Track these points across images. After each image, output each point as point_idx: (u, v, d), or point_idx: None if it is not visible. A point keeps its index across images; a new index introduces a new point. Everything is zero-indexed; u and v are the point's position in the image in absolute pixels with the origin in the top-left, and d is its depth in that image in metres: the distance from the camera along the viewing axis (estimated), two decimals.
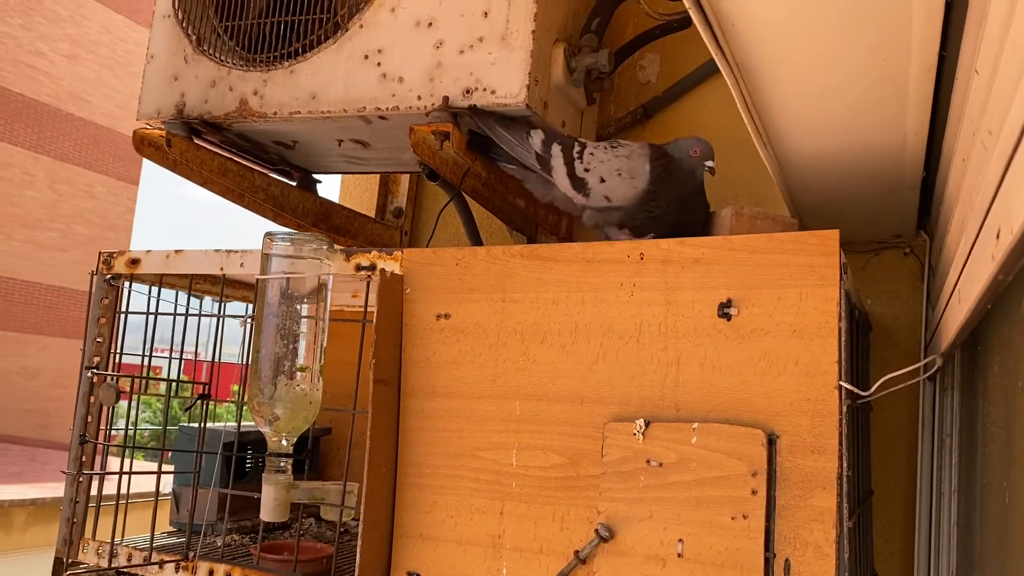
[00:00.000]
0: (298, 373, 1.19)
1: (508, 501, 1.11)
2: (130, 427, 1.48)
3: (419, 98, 1.37)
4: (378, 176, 2.06)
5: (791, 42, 0.78)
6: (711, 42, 0.75)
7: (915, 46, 0.79)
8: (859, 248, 1.57)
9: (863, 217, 1.39)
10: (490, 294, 1.16)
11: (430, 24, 1.38)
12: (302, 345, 1.21)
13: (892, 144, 1.04)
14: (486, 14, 1.34)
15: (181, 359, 1.47)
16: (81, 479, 1.36)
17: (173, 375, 1.46)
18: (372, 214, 2.05)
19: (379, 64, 1.41)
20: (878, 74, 0.86)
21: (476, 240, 1.64)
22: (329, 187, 2.05)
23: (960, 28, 0.77)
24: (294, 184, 1.81)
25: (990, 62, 0.60)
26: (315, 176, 1.87)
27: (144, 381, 1.47)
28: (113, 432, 1.46)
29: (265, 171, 1.76)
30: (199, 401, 1.34)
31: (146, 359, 1.44)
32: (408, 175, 2.05)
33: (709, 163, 1.19)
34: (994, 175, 0.56)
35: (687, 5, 0.68)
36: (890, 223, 1.44)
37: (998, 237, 0.52)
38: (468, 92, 1.34)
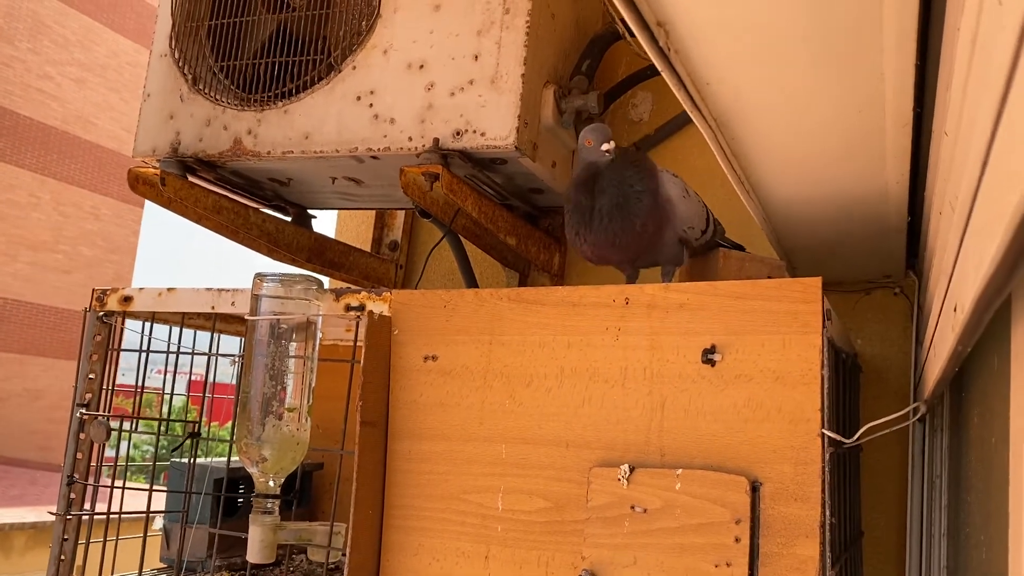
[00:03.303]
0: (286, 413, 1.19)
1: (494, 545, 1.11)
2: (120, 463, 1.48)
3: (410, 139, 1.39)
4: (374, 212, 2.08)
5: (766, 100, 0.79)
6: (686, 102, 0.76)
7: (889, 101, 0.80)
8: (849, 288, 1.58)
9: (852, 258, 1.39)
10: (477, 336, 1.16)
11: (422, 66, 1.40)
12: (290, 385, 1.21)
13: (875, 191, 1.05)
14: (476, 57, 1.36)
15: (172, 395, 1.48)
16: (69, 517, 1.36)
17: (166, 411, 1.47)
18: (368, 248, 2.06)
19: (371, 105, 1.42)
20: (854, 127, 0.87)
21: (469, 277, 1.65)
22: (326, 220, 2.07)
23: (934, 87, 0.78)
24: (289, 220, 1.83)
25: (954, 129, 0.61)
26: (310, 211, 1.88)
27: (135, 420, 1.47)
28: (109, 459, 1.46)
29: (260, 207, 1.78)
30: (189, 440, 1.35)
31: (138, 396, 1.45)
32: (403, 210, 2.07)
33: (604, 146, 1.15)
34: (953, 245, 0.56)
35: (660, 68, 0.69)
36: (879, 264, 1.44)
37: (955, 311, 0.53)
38: (458, 134, 1.35)
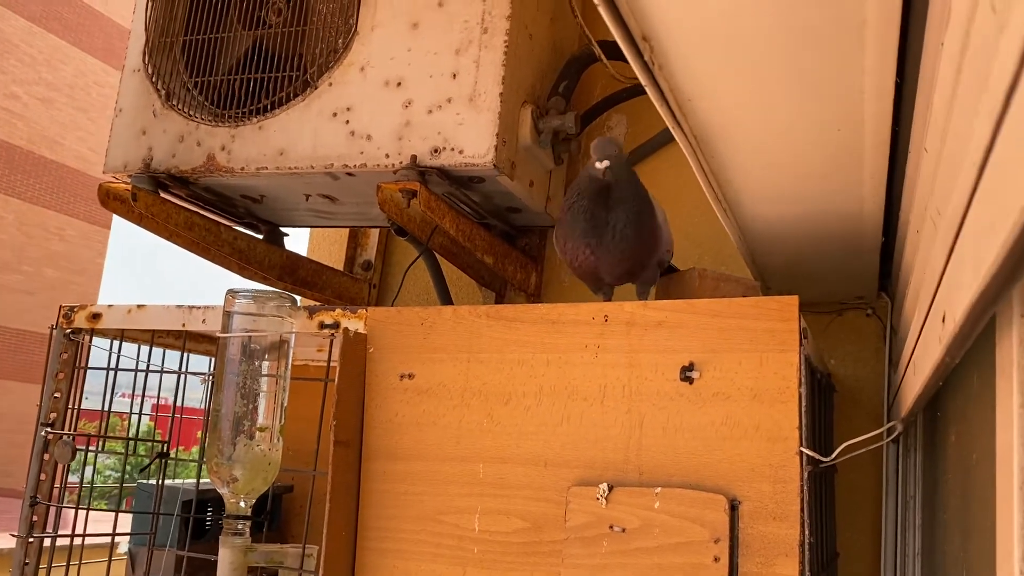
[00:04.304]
0: (258, 433, 1.17)
1: (470, 567, 1.09)
2: (85, 485, 1.44)
3: (387, 156, 1.38)
4: (347, 230, 2.07)
5: (747, 115, 0.79)
6: (668, 117, 0.76)
7: (868, 119, 0.81)
8: (822, 309, 1.59)
9: (825, 279, 1.40)
10: (455, 354, 1.15)
11: (399, 84, 1.39)
12: (262, 404, 1.19)
13: (850, 211, 1.06)
14: (455, 75, 1.36)
15: (140, 415, 1.45)
16: (31, 540, 1.32)
17: (134, 432, 1.43)
18: (340, 267, 2.04)
19: (347, 122, 1.42)
20: (833, 145, 0.88)
21: (445, 296, 1.64)
22: (299, 240, 2.05)
23: (912, 104, 0.79)
24: (261, 237, 1.81)
25: (937, 143, 0.61)
26: (283, 229, 1.87)
27: (101, 440, 1.43)
28: (71, 484, 1.42)
29: (232, 224, 1.76)
30: (157, 460, 1.31)
31: (105, 416, 1.41)
32: (377, 229, 2.06)
33: (598, 164, 1.13)
34: (940, 256, 0.56)
35: (643, 83, 0.69)
36: (852, 285, 1.46)
37: (943, 321, 0.53)
38: (436, 151, 1.35)
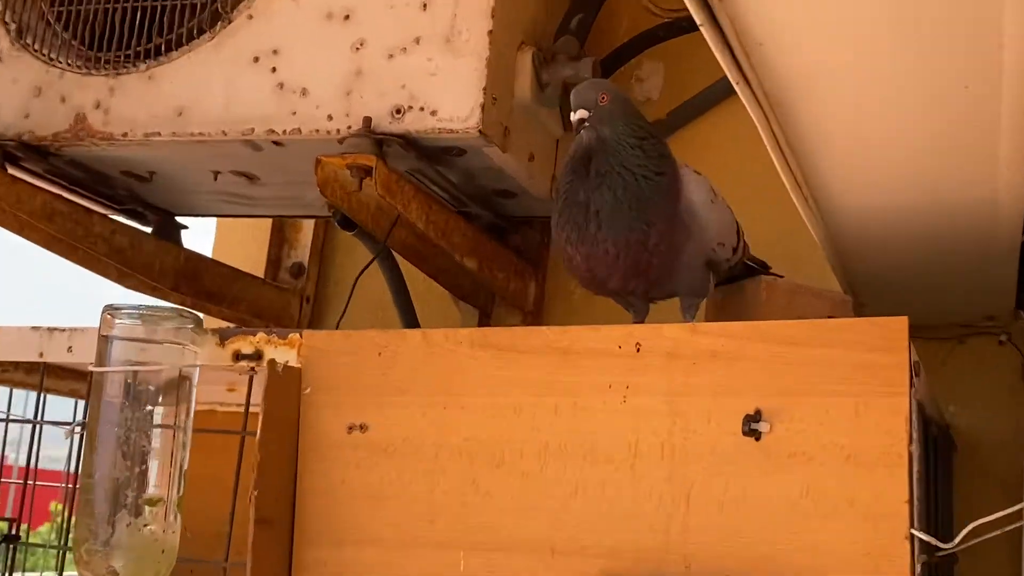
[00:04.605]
0: (147, 508, 1.16)
1: None
2: None
3: (330, 118, 1.38)
4: (270, 221, 2.06)
5: (839, 67, 0.80)
6: (731, 68, 0.77)
7: (1007, 75, 0.82)
8: (936, 335, 1.60)
9: (941, 294, 1.41)
10: (426, 397, 1.15)
11: (346, 17, 1.40)
12: (154, 467, 1.19)
13: (980, 201, 1.07)
14: (424, 5, 1.37)
15: None
16: None
17: None
18: (261, 272, 2.04)
19: (274, 70, 1.42)
20: (957, 109, 0.89)
21: (409, 315, 1.64)
22: (202, 234, 2.04)
23: None
24: (149, 231, 1.81)
25: None
26: (179, 220, 1.87)
27: None
28: None
29: (108, 213, 1.76)
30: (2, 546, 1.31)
31: None
32: (313, 220, 2.05)
33: (572, 116, 1.16)
34: None
35: (698, 20, 0.70)
36: (979, 302, 1.47)
37: None
38: (399, 112, 1.35)
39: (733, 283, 1.35)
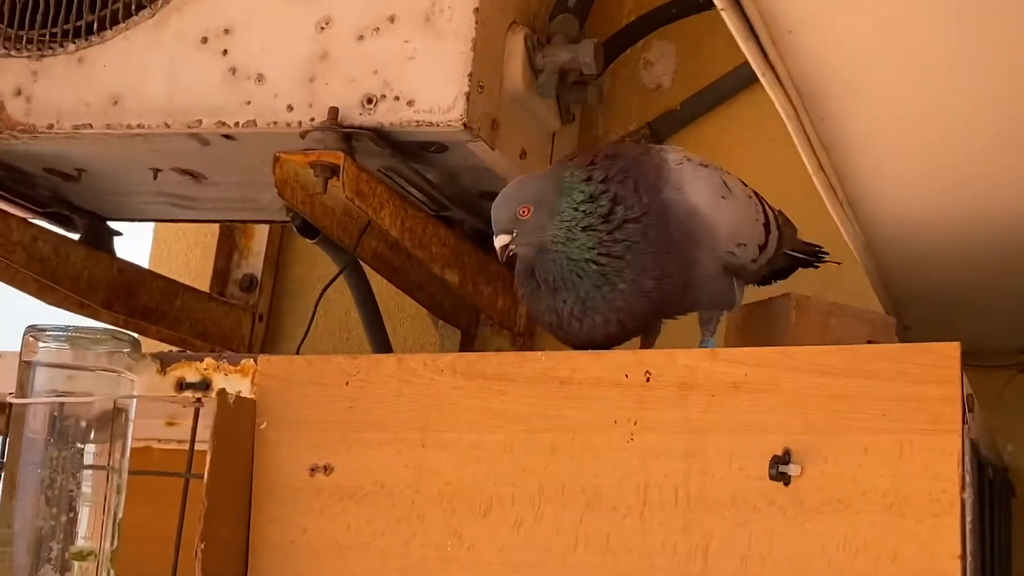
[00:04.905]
0: (75, 563, 1.17)
1: None
2: None
3: (290, 108, 1.39)
4: (217, 227, 2.06)
5: (882, 55, 0.81)
6: (756, 57, 0.77)
7: None
8: (992, 363, 1.60)
9: (998, 316, 1.42)
10: (401, 434, 1.16)
11: None
12: (83, 514, 1.19)
13: None
14: None
15: None
16: None
17: None
18: (206, 286, 2.04)
19: (225, 52, 1.42)
20: (1019, 101, 0.90)
21: (379, 338, 1.64)
22: (137, 240, 2.03)
23: None
24: (76, 238, 1.81)
25: None
26: (112, 225, 1.87)
27: None
28: None
29: (29, 216, 1.76)
30: None
31: None
32: (267, 225, 2.06)
33: (496, 243, 1.22)
34: None
35: (720, 7, 0.70)
36: None
37: None
38: (370, 102, 1.35)
39: (761, 297, 1.35)
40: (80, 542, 1.17)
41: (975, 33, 0.80)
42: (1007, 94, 0.88)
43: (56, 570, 1.16)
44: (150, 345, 1.78)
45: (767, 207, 1.29)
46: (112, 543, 1.18)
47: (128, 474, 1.20)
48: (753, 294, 1.36)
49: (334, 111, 1.36)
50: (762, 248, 1.27)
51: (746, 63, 1.72)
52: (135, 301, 1.83)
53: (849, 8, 0.76)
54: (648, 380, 1.08)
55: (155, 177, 1.63)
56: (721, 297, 1.25)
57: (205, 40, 1.43)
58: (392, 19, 1.36)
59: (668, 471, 1.06)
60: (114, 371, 1.20)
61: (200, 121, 1.42)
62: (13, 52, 1.50)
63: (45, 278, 1.70)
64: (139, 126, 1.44)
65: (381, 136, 1.37)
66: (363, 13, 1.38)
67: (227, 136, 1.43)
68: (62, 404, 1.18)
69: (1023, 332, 1.53)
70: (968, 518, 0.97)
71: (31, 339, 1.19)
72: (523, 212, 1.19)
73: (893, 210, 1.12)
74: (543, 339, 1.82)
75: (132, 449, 1.22)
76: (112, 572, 1.18)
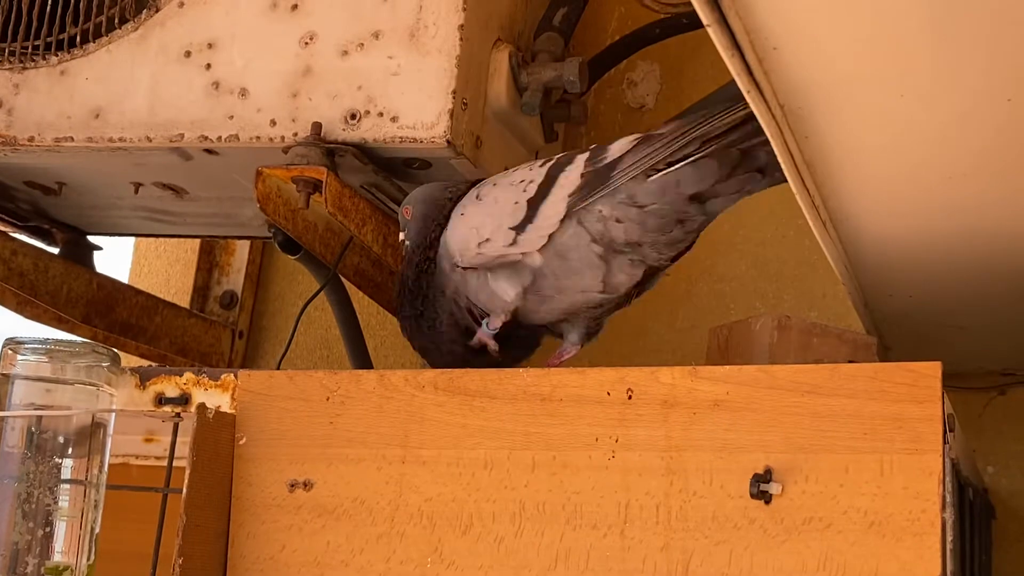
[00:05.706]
0: None
1: None
2: None
3: (273, 123, 1.39)
4: (198, 242, 2.07)
5: (864, 75, 0.81)
6: (741, 75, 0.77)
7: None
8: (973, 384, 1.61)
9: (980, 336, 1.42)
10: (381, 450, 1.16)
11: (294, 7, 1.41)
12: (60, 529, 1.19)
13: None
14: None
15: None
16: None
17: None
18: (186, 302, 2.04)
19: (209, 66, 1.42)
20: (1000, 123, 0.90)
21: (359, 354, 1.63)
22: (117, 255, 2.03)
23: None
24: (56, 252, 1.81)
25: None
26: (91, 240, 1.87)
27: None
28: None
29: (8, 230, 1.76)
30: None
31: None
32: (248, 241, 2.06)
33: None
34: None
35: (705, 20, 0.70)
36: (1021, 346, 1.48)
37: None
38: (353, 117, 1.36)
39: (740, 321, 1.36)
40: (56, 557, 1.16)
41: (953, 53, 0.81)
42: (984, 115, 0.88)
43: None
44: (129, 361, 1.77)
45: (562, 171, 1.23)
46: (89, 558, 1.18)
47: (106, 489, 1.20)
48: (736, 314, 1.36)
49: (317, 126, 1.36)
50: (515, 236, 1.22)
51: (730, 83, 1.74)
52: (114, 316, 1.83)
53: (833, 26, 0.76)
54: (630, 397, 1.09)
55: (136, 191, 1.63)
56: (488, 298, 1.27)
57: (188, 54, 1.43)
58: (377, 35, 1.37)
59: (649, 489, 1.06)
60: (93, 385, 1.20)
61: (182, 135, 1.42)
62: None
63: (24, 292, 1.69)
64: (121, 140, 1.44)
65: (364, 152, 1.37)
66: (347, 29, 1.38)
67: (209, 151, 1.43)
68: (40, 418, 1.18)
69: (1004, 354, 1.54)
70: (949, 538, 0.98)
71: (10, 351, 1.19)
72: (406, 212, 1.31)
73: (875, 230, 1.12)
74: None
75: (110, 465, 1.22)
76: None
